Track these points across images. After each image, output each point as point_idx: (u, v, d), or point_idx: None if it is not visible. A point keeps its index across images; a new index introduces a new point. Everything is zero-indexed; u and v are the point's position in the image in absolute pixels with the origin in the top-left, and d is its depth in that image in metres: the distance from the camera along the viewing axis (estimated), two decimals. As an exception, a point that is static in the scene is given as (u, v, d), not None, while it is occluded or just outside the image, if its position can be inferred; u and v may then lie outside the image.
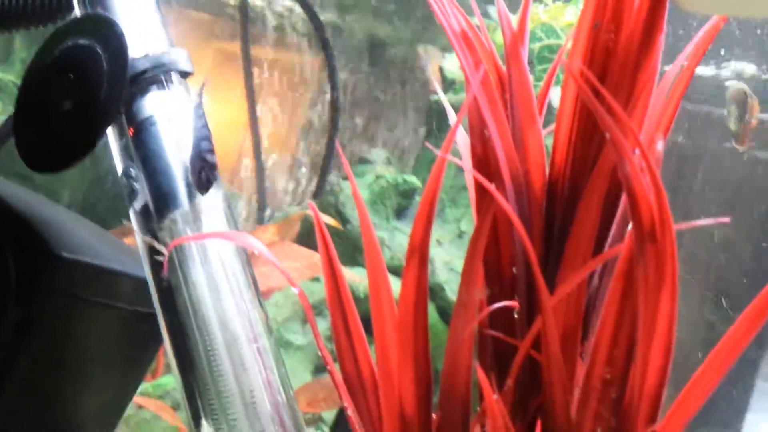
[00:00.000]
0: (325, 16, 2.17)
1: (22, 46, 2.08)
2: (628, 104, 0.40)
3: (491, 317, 0.44)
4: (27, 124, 0.53)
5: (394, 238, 1.52)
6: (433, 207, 0.41)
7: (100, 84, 0.50)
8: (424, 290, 0.41)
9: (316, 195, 1.75)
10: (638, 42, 0.41)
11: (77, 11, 0.57)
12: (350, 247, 1.50)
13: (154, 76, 0.52)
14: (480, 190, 0.43)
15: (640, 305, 0.36)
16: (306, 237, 1.69)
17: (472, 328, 0.40)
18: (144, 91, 0.51)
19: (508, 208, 0.39)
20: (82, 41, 0.51)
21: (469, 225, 1.47)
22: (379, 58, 2.21)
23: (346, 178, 1.59)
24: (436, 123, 1.69)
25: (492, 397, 0.38)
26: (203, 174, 0.48)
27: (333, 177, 1.65)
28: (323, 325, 1.44)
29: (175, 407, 1.17)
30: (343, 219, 1.57)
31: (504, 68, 0.44)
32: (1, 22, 0.62)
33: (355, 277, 1.26)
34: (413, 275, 0.41)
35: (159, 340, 0.64)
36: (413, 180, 1.65)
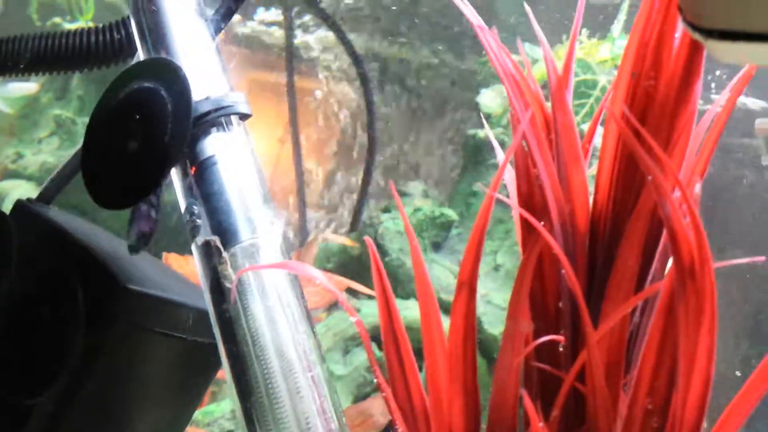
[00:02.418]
0: (367, 44, 2.21)
1: (79, 84, 2.16)
2: (668, 146, 0.42)
3: (537, 350, 0.45)
4: (94, 162, 0.55)
5: (432, 270, 1.54)
6: (482, 243, 0.43)
7: (164, 126, 0.52)
8: (473, 324, 0.43)
9: (353, 228, 1.77)
10: (677, 87, 0.43)
11: (141, 55, 0.60)
12: (389, 279, 1.50)
13: (215, 118, 0.54)
14: (526, 226, 0.45)
15: (681, 339, 0.37)
16: (342, 268, 1.71)
17: (519, 361, 0.42)
18: (205, 132, 0.53)
19: (555, 245, 0.41)
20: (147, 84, 0.54)
21: (504, 258, 1.48)
22: (416, 90, 2.24)
23: (384, 211, 1.61)
24: (472, 157, 1.71)
25: (538, 425, 0.39)
26: (143, 235, 0.50)
27: (369, 210, 1.68)
28: (363, 356, 1.45)
29: (222, 436, 1.19)
30: (382, 251, 1.59)
31: (548, 108, 0.46)
32: (66, 63, 0.66)
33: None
34: (462, 309, 0.43)
35: (214, 370, 0.66)
36: (450, 213, 1.67)
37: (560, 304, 0.44)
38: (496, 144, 0.54)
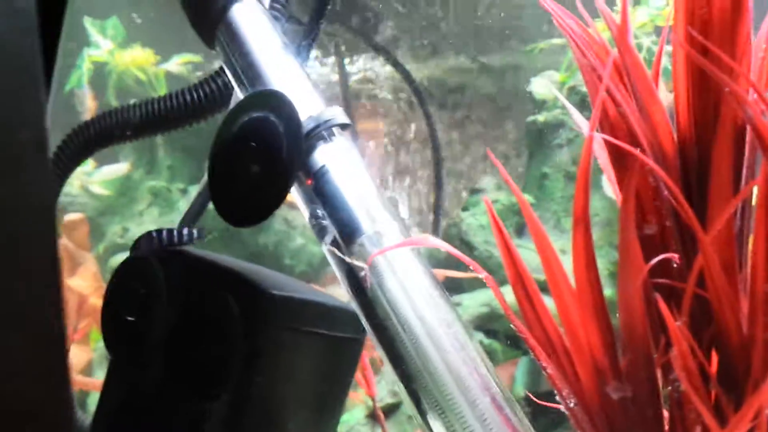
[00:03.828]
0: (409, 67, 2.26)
1: (166, 156, 2.27)
2: (734, 59, 0.44)
3: (651, 273, 0.47)
4: (223, 189, 0.58)
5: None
6: (588, 180, 0.45)
7: (280, 147, 0.56)
8: (592, 252, 0.46)
9: (434, 231, 1.80)
10: (729, 11, 0.45)
11: (239, 94, 0.64)
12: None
13: (319, 132, 0.58)
14: (619, 166, 0.48)
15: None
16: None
17: (639, 281, 0.44)
18: (313, 147, 0.56)
19: (652, 164, 0.43)
20: (257, 114, 0.58)
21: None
22: (465, 98, 2.27)
23: (463, 210, 1.64)
24: (536, 142, 1.72)
25: (674, 324, 0.42)
26: None
27: (449, 212, 1.71)
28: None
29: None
30: (469, 246, 1.61)
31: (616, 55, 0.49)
32: (172, 122, 0.71)
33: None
34: (581, 240, 0.46)
35: (354, 365, 0.70)
36: (526, 197, 1.69)
37: (667, 223, 0.47)
38: (566, 102, 0.57)
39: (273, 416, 0.63)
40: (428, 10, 2.32)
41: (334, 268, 0.57)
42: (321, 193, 0.57)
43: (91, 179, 2.43)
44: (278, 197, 0.56)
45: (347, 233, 0.56)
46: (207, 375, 0.60)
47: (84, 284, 1.92)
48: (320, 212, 0.57)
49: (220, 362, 0.59)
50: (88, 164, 2.45)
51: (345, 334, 0.66)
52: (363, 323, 0.55)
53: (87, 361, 2.06)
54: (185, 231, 0.65)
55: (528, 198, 1.65)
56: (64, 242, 2.00)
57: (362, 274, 0.53)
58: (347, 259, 0.55)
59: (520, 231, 1.65)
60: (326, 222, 0.56)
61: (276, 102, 0.57)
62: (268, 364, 0.60)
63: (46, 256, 0.22)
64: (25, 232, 0.21)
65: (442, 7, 2.32)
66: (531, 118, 1.77)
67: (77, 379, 1.91)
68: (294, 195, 0.59)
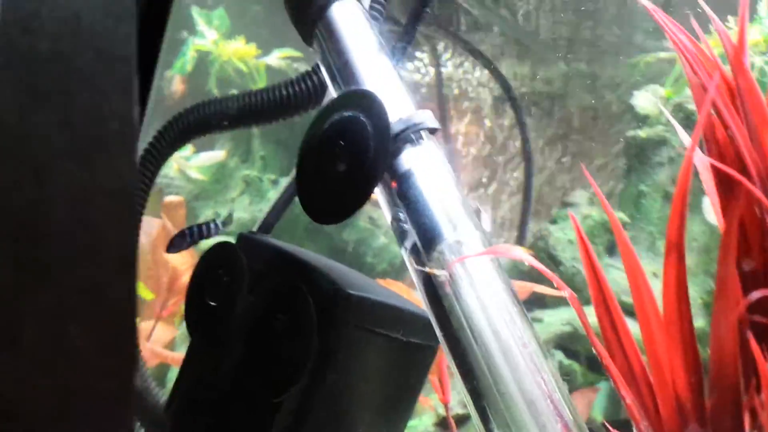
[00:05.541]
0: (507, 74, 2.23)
1: (261, 146, 2.33)
2: None
3: (749, 307, 0.44)
4: (309, 186, 0.58)
5: (609, 274, 1.50)
6: (685, 204, 0.43)
7: (367, 147, 0.56)
8: (685, 283, 0.43)
9: (519, 243, 1.77)
10: None
11: (333, 93, 0.65)
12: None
13: (407, 135, 0.57)
14: (724, 191, 0.45)
15: None
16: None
17: (735, 317, 0.41)
18: (401, 149, 0.56)
19: (758, 192, 0.40)
20: (347, 113, 0.58)
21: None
22: (566, 107, 2.22)
23: (551, 222, 1.60)
24: (636, 158, 1.65)
25: (765, 365, 0.39)
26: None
27: (538, 224, 1.67)
28: (554, 362, 1.44)
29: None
30: (555, 261, 1.57)
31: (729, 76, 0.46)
32: (267, 115, 0.72)
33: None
34: (673, 269, 0.43)
35: (425, 372, 0.69)
36: (621, 215, 1.62)
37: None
38: (671, 117, 0.54)
39: (341, 414, 0.63)
40: (527, 18, 2.28)
41: (412, 273, 0.56)
42: (404, 197, 0.56)
43: (189, 164, 2.53)
44: (362, 197, 0.56)
45: (427, 239, 0.55)
46: (279, 367, 0.60)
47: (180, 259, 1.98)
48: (402, 215, 0.56)
49: (292, 355, 0.60)
50: (187, 149, 2.54)
51: (418, 340, 0.66)
52: (436, 332, 0.54)
53: (171, 338, 2.12)
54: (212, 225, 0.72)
55: (622, 217, 1.59)
56: (164, 221, 2.07)
57: (440, 279, 0.52)
58: (424, 268, 0.54)
59: (612, 249, 1.59)
60: (407, 226, 0.56)
61: (367, 102, 0.57)
62: (339, 362, 0.60)
63: (122, 243, 0.22)
64: (103, 218, 0.21)
65: (541, 16, 2.28)
66: (631, 132, 1.70)
67: (159, 351, 1.96)
68: (378, 196, 0.59)
